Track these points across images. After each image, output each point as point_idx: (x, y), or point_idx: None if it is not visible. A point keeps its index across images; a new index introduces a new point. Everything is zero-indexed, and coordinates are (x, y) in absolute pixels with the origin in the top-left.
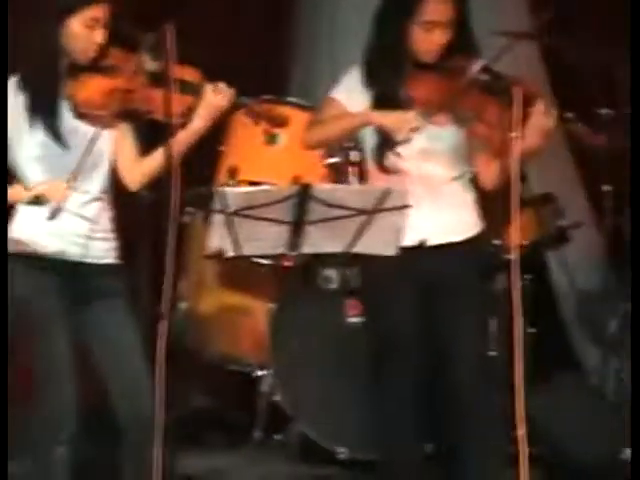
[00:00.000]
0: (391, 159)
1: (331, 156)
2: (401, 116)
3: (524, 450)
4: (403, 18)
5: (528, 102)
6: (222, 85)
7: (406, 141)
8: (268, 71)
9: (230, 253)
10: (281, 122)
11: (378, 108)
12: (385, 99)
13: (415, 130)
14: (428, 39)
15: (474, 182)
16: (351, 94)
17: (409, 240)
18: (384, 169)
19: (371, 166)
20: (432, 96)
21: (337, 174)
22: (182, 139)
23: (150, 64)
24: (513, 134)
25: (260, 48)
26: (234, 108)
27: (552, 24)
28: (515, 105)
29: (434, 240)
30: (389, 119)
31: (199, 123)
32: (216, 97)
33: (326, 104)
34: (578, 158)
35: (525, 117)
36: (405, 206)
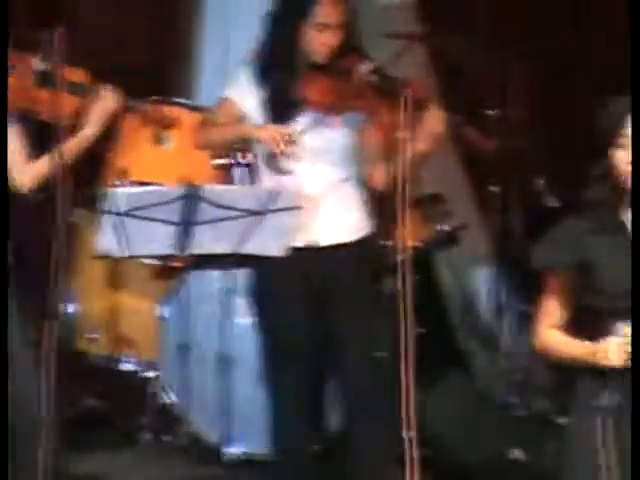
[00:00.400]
0: (282, 160)
1: (220, 157)
2: (276, 130)
3: (412, 451)
4: (296, 19)
5: (418, 104)
6: (111, 87)
7: (283, 154)
8: (157, 72)
9: (119, 254)
10: (170, 123)
11: (270, 108)
12: (277, 99)
13: (291, 144)
14: (320, 40)
15: (364, 183)
16: (243, 93)
17: (300, 241)
18: (275, 170)
19: (262, 167)
20: (324, 97)
21: (227, 175)
22: (74, 144)
23: (39, 65)
24: (402, 136)
25: (150, 49)
26: (124, 110)
27: (440, 26)
28: (405, 107)
29: (325, 241)
30: (265, 133)
31: (91, 128)
32: (106, 100)
33: (220, 103)
34: (466, 159)
35: (416, 120)
36: (295, 207)
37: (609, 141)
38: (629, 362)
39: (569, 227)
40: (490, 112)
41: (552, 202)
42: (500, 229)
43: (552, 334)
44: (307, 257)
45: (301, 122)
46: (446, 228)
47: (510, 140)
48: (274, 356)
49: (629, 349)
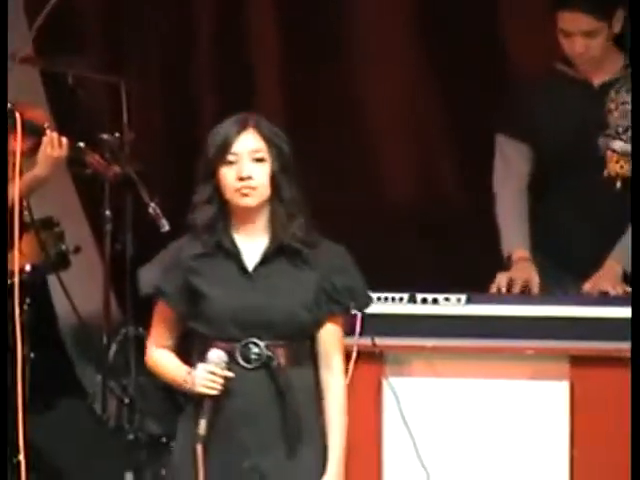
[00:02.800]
0: None
1: None
2: None
3: (24, 476)
4: None
5: (34, 129)
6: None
7: None
8: None
9: None
10: None
11: None
12: None
13: None
14: None
15: None
16: None
17: None
18: None
19: None
20: None
21: None
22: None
23: None
24: (15, 160)
25: None
26: None
27: (51, 48)
28: (18, 132)
29: None
30: None
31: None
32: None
33: None
34: (80, 183)
35: (34, 144)
36: None
37: (216, 163)
38: (213, 390)
39: (175, 251)
40: (105, 135)
41: (164, 226)
42: (113, 252)
43: (161, 355)
44: None
45: None
46: (58, 251)
47: (124, 163)
48: None
49: (214, 378)
